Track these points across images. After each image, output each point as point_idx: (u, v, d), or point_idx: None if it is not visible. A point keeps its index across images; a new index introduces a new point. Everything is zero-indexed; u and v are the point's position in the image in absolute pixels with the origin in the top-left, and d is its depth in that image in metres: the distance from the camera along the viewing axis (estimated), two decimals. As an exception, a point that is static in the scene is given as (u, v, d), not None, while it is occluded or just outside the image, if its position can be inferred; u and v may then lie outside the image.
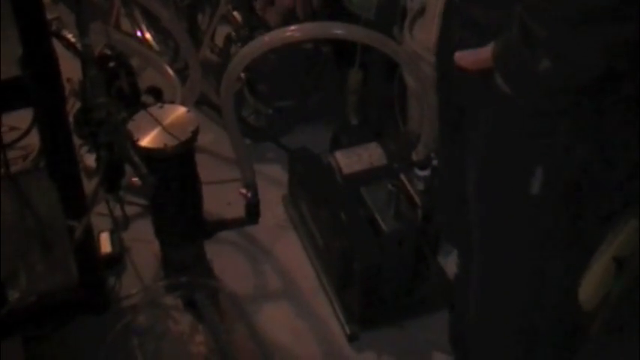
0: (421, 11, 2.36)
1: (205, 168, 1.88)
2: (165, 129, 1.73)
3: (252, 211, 1.99)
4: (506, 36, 1.13)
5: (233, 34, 2.54)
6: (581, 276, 1.38)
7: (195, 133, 1.73)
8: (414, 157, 2.07)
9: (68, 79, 1.70)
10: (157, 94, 1.94)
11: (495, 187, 1.31)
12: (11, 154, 2.22)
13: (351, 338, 1.99)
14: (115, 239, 2.14)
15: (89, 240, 1.74)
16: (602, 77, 1.11)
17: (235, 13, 2.52)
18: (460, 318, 1.71)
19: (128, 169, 1.80)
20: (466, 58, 1.20)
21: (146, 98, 1.90)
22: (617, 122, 1.19)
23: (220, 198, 2.23)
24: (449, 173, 1.56)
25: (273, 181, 2.39)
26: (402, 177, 2.02)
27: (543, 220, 1.28)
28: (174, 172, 1.76)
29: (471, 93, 1.29)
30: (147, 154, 1.71)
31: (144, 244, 2.08)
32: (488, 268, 1.43)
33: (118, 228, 2.07)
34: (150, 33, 2.74)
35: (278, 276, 2.18)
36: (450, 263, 2.01)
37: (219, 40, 2.63)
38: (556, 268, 1.35)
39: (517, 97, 1.16)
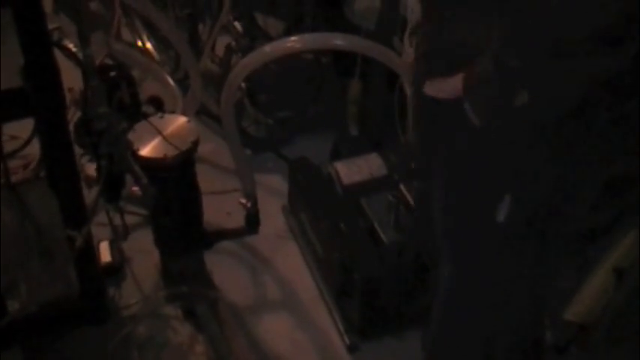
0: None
1: (205, 178, 1.88)
2: (165, 139, 1.73)
3: (252, 222, 2.00)
4: (477, 68, 1.11)
5: (233, 44, 2.54)
6: (544, 296, 1.39)
7: (195, 143, 1.74)
8: (414, 167, 2.07)
9: (70, 89, 1.70)
10: (158, 104, 1.95)
11: (461, 211, 1.31)
12: (12, 163, 2.22)
13: (351, 349, 1.99)
14: (115, 249, 2.14)
15: (89, 250, 1.74)
16: (577, 108, 1.11)
17: (236, 24, 2.53)
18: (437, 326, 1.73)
19: (128, 178, 1.80)
20: (435, 87, 1.19)
21: (147, 108, 1.90)
22: (591, 148, 1.18)
23: (220, 208, 2.23)
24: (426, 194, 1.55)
25: (273, 191, 2.39)
26: (402, 188, 2.02)
27: (508, 246, 1.28)
28: (175, 182, 1.77)
29: (442, 117, 1.27)
30: (147, 163, 1.71)
31: (144, 254, 2.08)
32: (454, 283, 1.43)
33: (118, 238, 2.07)
34: (151, 43, 2.74)
35: (278, 286, 2.18)
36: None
37: (220, 51, 2.63)
38: (521, 288, 1.35)
39: (487, 128, 1.15)
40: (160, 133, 1.74)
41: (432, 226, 1.51)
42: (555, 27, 1.02)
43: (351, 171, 2.12)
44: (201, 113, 2.58)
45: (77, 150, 1.73)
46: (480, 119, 1.13)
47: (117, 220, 1.93)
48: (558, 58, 1.03)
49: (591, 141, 1.18)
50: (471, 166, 1.26)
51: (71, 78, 1.69)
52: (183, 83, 2.53)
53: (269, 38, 2.45)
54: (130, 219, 2.00)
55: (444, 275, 1.45)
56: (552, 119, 1.14)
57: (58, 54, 1.55)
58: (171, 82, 2.45)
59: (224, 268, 2.13)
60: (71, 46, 1.72)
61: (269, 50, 2.25)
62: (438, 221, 1.39)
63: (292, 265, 2.22)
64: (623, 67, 1.08)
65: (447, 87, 1.17)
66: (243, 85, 2.40)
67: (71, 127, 1.73)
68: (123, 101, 1.85)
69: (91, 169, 2.03)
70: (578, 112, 1.13)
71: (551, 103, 1.10)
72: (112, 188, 1.77)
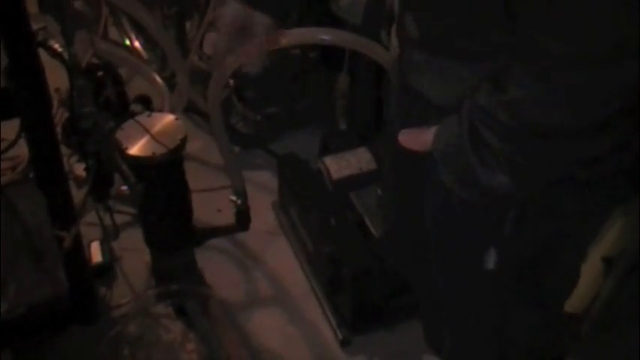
0: (408, 16, 2.36)
1: (194, 175, 1.88)
2: (153, 137, 1.73)
3: (242, 218, 1.99)
4: (451, 130, 1.02)
5: (220, 41, 2.54)
6: (541, 331, 1.38)
7: (183, 140, 1.73)
8: (403, 161, 2.06)
9: (56, 89, 1.70)
10: (146, 103, 1.94)
11: (450, 259, 1.28)
12: (-1, 165, 2.22)
13: (343, 343, 1.99)
14: (105, 248, 2.14)
15: (79, 250, 1.74)
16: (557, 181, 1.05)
17: (223, 21, 2.52)
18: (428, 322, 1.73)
19: (117, 178, 1.80)
20: (408, 139, 1.10)
21: (135, 107, 1.90)
22: (568, 210, 1.12)
23: (210, 205, 2.23)
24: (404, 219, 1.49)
25: (262, 187, 2.39)
26: (391, 181, 2.03)
27: (501, 289, 1.24)
28: (163, 180, 1.76)
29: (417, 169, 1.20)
30: (135, 162, 1.71)
31: (134, 252, 2.08)
32: (452, 320, 1.42)
33: (107, 237, 2.07)
34: (138, 41, 2.74)
35: (269, 282, 2.18)
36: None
37: (208, 48, 2.63)
38: (519, 326, 1.33)
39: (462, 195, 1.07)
40: (147, 131, 1.73)
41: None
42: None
43: (340, 165, 2.12)
44: (189, 111, 2.58)
45: (65, 150, 1.73)
46: (456, 187, 1.06)
47: (107, 220, 1.93)
48: (542, 138, 0.95)
49: (570, 200, 1.10)
50: (453, 224, 1.21)
51: (58, 78, 1.68)
52: (170, 81, 2.52)
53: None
54: (119, 218, 2.00)
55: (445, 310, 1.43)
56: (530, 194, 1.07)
57: (44, 54, 1.55)
58: (158, 80, 2.44)
59: (215, 265, 2.13)
60: (56, 45, 1.71)
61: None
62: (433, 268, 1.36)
63: (283, 260, 2.23)
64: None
65: (420, 139, 1.08)
66: (230, 81, 2.40)
67: (59, 128, 1.73)
68: (110, 100, 1.85)
69: (79, 169, 2.02)
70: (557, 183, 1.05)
71: (533, 183, 1.03)
72: (100, 187, 1.77)
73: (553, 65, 0.90)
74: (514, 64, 0.94)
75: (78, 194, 1.76)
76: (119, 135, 1.73)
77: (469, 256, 1.21)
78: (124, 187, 2.03)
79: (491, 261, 1.17)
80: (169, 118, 1.80)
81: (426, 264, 1.35)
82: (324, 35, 1.91)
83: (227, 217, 2.03)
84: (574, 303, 1.68)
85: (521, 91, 0.93)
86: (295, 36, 1.98)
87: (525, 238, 1.15)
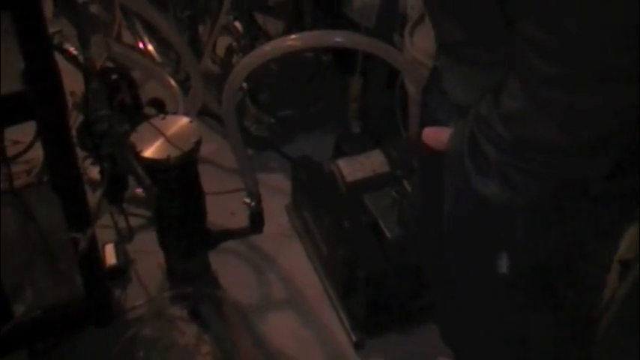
0: (421, 18, 2.36)
1: (208, 178, 1.88)
2: (168, 140, 1.73)
3: (256, 221, 2.00)
4: (461, 133, 1.03)
5: (234, 44, 2.54)
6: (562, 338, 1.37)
7: (197, 143, 1.74)
8: (416, 163, 2.07)
9: (71, 92, 1.70)
10: (160, 106, 1.95)
11: (464, 262, 1.27)
12: (15, 168, 2.22)
13: (358, 346, 1.99)
14: (120, 251, 2.15)
15: (94, 252, 1.74)
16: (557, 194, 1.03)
17: (236, 24, 2.53)
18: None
19: (131, 180, 1.81)
20: (430, 136, 1.11)
21: (148, 110, 1.90)
22: (579, 218, 1.11)
23: (224, 208, 2.24)
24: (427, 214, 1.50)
25: (276, 190, 2.39)
26: (405, 183, 2.03)
27: (515, 294, 1.23)
28: (178, 183, 1.77)
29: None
30: (150, 165, 1.71)
31: (148, 255, 2.08)
32: (468, 321, 1.42)
33: (122, 240, 2.08)
34: (151, 45, 2.75)
35: (283, 285, 2.18)
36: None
37: (221, 51, 2.64)
38: (538, 328, 1.32)
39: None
40: (162, 134, 1.74)
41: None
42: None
43: (354, 168, 2.12)
44: (203, 114, 2.59)
45: (80, 153, 1.73)
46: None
47: (121, 223, 1.93)
48: (535, 153, 0.94)
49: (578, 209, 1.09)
50: (466, 227, 1.20)
51: (73, 81, 1.69)
52: (184, 84, 2.53)
53: (269, 37, 2.45)
54: (133, 221, 2.00)
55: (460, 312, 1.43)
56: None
57: (58, 57, 1.55)
58: (172, 83, 2.45)
59: (229, 268, 2.13)
60: (72, 49, 1.72)
61: (269, 49, 2.25)
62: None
63: (297, 263, 2.23)
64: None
65: (439, 138, 1.09)
66: (244, 84, 2.40)
67: (74, 131, 1.73)
68: (124, 103, 1.85)
69: (93, 171, 2.03)
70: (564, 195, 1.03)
71: (524, 198, 1.01)
72: (115, 190, 1.78)
73: (541, 83, 0.89)
74: (510, 76, 0.94)
75: (92, 197, 1.77)
76: (134, 138, 1.73)
77: (482, 259, 1.21)
78: (139, 190, 2.04)
79: (504, 265, 1.17)
80: (184, 120, 1.80)
81: (445, 263, 1.36)
82: (338, 38, 1.92)
83: (241, 220, 2.03)
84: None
85: (515, 104, 0.93)
86: (308, 39, 1.98)
87: (537, 245, 1.14)
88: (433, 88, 1.25)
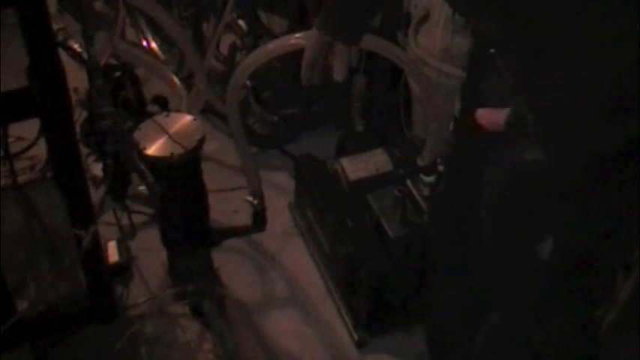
0: (425, 17, 2.36)
1: (211, 176, 1.88)
2: (171, 137, 1.73)
3: (259, 219, 2.00)
4: (514, 112, 1.06)
5: (238, 42, 2.54)
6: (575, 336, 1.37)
7: (201, 141, 1.74)
8: (420, 162, 2.07)
9: (75, 89, 1.71)
10: (163, 103, 1.95)
11: (504, 247, 1.29)
12: (18, 164, 2.23)
13: (359, 344, 1.99)
14: (123, 248, 2.15)
15: (96, 249, 1.75)
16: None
17: (240, 22, 2.53)
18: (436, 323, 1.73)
19: (135, 178, 1.81)
20: (485, 117, 1.13)
21: (152, 107, 1.91)
22: (625, 197, 1.13)
23: (227, 206, 2.24)
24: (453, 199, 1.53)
25: (279, 188, 2.39)
26: (408, 183, 2.03)
27: (551, 281, 1.25)
28: (181, 181, 1.77)
29: (487, 147, 1.24)
30: (153, 162, 1.72)
31: (151, 252, 2.09)
32: (504, 328, 1.42)
33: (125, 237, 2.08)
34: (155, 42, 2.75)
35: (285, 283, 2.18)
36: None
37: (224, 49, 2.64)
38: (554, 327, 1.33)
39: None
40: (165, 131, 1.74)
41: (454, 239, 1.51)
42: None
43: (357, 167, 2.12)
44: (207, 111, 2.59)
45: (83, 150, 1.74)
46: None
47: (124, 220, 1.94)
48: (579, 120, 0.97)
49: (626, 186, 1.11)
50: (513, 207, 1.23)
51: (76, 78, 1.69)
52: (187, 82, 2.53)
53: (273, 36, 2.45)
54: (136, 218, 2.01)
55: (491, 322, 1.42)
56: (574, 178, 1.09)
57: (62, 54, 1.56)
58: (176, 80, 2.45)
59: (231, 266, 2.13)
60: (76, 46, 1.72)
61: (273, 47, 2.25)
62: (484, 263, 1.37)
63: (299, 261, 2.23)
64: None
65: (494, 118, 1.11)
66: (247, 82, 2.40)
67: (77, 128, 1.74)
68: (128, 100, 1.85)
69: (97, 168, 2.04)
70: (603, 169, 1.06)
71: (565, 165, 1.05)
72: (118, 187, 1.78)
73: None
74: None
75: (95, 194, 1.77)
76: (137, 135, 1.74)
77: (524, 244, 1.22)
78: (142, 187, 2.05)
79: (546, 251, 1.19)
80: (187, 118, 1.80)
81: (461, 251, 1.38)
82: (342, 36, 1.91)
83: (244, 218, 2.03)
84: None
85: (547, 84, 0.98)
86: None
87: (587, 226, 1.16)
88: (486, 72, 1.26)
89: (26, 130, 2.20)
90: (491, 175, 1.25)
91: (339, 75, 1.57)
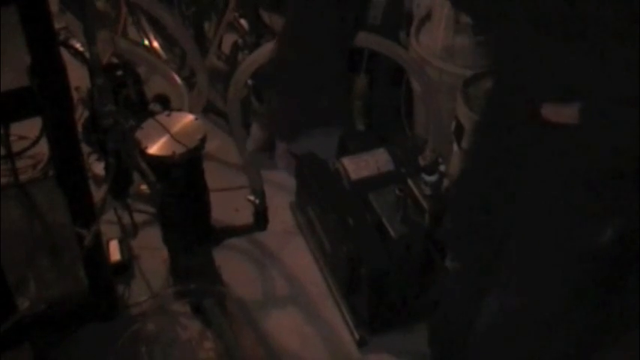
0: (427, 16, 2.36)
1: (213, 175, 1.88)
2: (173, 136, 1.73)
3: (260, 218, 2.00)
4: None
5: (240, 41, 2.55)
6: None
7: (202, 140, 1.74)
8: (421, 162, 2.07)
9: (76, 88, 1.71)
10: (165, 102, 1.95)
11: (557, 233, 1.29)
12: (20, 163, 2.23)
13: (360, 343, 1.99)
14: (124, 247, 2.15)
15: (98, 248, 1.75)
16: None
17: (242, 21, 2.53)
18: (443, 322, 1.72)
19: (136, 176, 1.81)
20: (553, 112, 1.19)
21: (153, 106, 1.91)
22: None
23: (228, 205, 2.24)
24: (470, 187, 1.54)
25: (280, 187, 2.39)
26: (410, 182, 2.02)
27: (606, 267, 1.26)
28: (182, 180, 1.77)
29: (536, 143, 1.27)
30: (155, 161, 1.72)
31: (152, 251, 2.09)
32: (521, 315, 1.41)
33: (126, 236, 2.08)
34: (157, 41, 2.75)
35: (286, 282, 2.18)
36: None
37: (226, 48, 2.64)
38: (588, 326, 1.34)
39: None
40: (167, 130, 1.74)
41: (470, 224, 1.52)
42: None
43: (359, 166, 2.12)
44: (208, 110, 2.59)
45: (85, 148, 1.74)
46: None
47: (125, 219, 1.94)
48: None
49: None
50: (573, 195, 1.25)
51: (78, 77, 1.69)
52: (189, 81, 2.53)
53: (275, 35, 2.45)
54: (138, 217, 2.01)
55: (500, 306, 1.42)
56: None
57: (64, 53, 1.56)
58: (177, 79, 2.45)
59: (232, 265, 2.13)
60: (78, 45, 1.72)
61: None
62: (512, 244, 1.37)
63: (300, 260, 2.23)
64: None
65: (563, 112, 1.17)
66: (249, 81, 2.40)
67: (79, 126, 1.74)
68: (129, 99, 1.86)
69: (98, 167, 2.04)
70: None
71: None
72: (119, 186, 1.78)
73: None
74: None
75: (97, 193, 1.77)
76: (139, 134, 1.74)
77: (585, 226, 1.23)
78: (143, 186, 2.05)
79: (607, 233, 1.20)
80: (189, 117, 1.80)
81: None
82: (343, 36, 1.91)
83: (245, 217, 2.03)
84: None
85: None
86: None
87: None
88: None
89: (28, 128, 2.21)
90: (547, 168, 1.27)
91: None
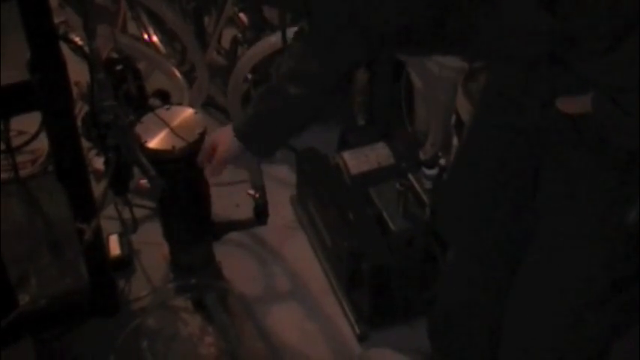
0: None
1: (213, 169, 1.88)
2: (172, 131, 1.73)
3: (261, 213, 1.99)
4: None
5: (239, 36, 2.54)
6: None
7: (202, 134, 1.74)
8: (422, 156, 2.07)
9: (76, 83, 1.71)
10: (165, 97, 1.95)
11: (585, 216, 1.31)
12: (20, 158, 2.23)
13: (361, 338, 1.99)
14: (124, 242, 2.15)
15: (98, 243, 1.75)
16: None
17: (242, 15, 2.52)
18: (442, 312, 1.72)
19: (136, 171, 1.81)
20: (567, 103, 1.23)
21: (153, 101, 1.90)
22: None
23: (228, 200, 2.24)
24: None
25: (281, 182, 2.39)
26: (410, 176, 2.02)
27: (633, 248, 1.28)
28: (183, 174, 1.77)
29: (560, 136, 1.29)
30: (155, 156, 1.72)
31: (153, 246, 2.09)
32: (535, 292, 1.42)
33: (127, 231, 2.08)
34: (157, 36, 2.75)
35: (287, 277, 2.18)
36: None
37: (226, 43, 2.63)
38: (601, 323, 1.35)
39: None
40: (167, 125, 1.74)
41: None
42: None
43: (359, 161, 2.12)
44: (208, 105, 2.59)
45: (85, 143, 1.73)
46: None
47: (126, 214, 1.93)
48: None
49: None
50: (599, 182, 1.27)
51: (78, 71, 1.69)
52: (189, 75, 2.53)
53: (275, 29, 2.45)
54: (138, 212, 2.01)
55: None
56: None
57: (64, 47, 1.55)
58: (177, 74, 2.45)
59: (233, 260, 2.13)
60: (77, 39, 1.72)
61: (275, 41, 2.25)
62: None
63: (301, 255, 2.23)
64: None
65: (578, 103, 1.21)
66: (249, 76, 2.40)
67: (79, 121, 1.74)
68: (130, 94, 1.85)
69: (98, 162, 2.04)
70: None
71: None
72: (119, 181, 1.78)
73: None
74: None
75: (97, 188, 1.77)
76: (139, 129, 1.74)
77: (612, 207, 1.26)
78: (143, 181, 2.05)
79: (633, 215, 1.24)
80: (189, 112, 1.80)
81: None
82: (344, 30, 1.90)
83: (245, 212, 2.03)
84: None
85: None
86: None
87: None
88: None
89: (28, 123, 2.20)
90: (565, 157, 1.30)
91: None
